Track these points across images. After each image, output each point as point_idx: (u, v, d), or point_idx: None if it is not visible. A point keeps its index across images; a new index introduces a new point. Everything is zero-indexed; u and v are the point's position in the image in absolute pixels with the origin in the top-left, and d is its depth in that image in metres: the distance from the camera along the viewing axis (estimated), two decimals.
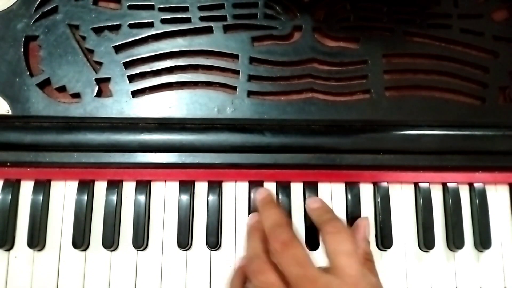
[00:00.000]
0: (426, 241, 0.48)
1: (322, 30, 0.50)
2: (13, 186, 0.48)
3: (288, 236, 0.39)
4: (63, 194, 0.49)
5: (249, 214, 0.48)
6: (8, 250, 0.48)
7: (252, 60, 0.49)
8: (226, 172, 0.48)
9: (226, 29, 0.50)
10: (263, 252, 0.40)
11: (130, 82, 0.49)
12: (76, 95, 0.48)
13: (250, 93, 0.48)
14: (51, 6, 0.50)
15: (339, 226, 0.40)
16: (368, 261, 0.43)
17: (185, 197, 0.48)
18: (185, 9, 0.50)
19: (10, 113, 0.48)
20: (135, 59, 0.49)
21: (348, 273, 0.37)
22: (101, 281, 0.47)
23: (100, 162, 0.48)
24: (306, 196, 0.48)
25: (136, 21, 0.49)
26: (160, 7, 0.50)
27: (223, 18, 0.50)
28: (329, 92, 0.49)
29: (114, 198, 0.48)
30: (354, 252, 0.38)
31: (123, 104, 0.48)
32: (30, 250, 0.48)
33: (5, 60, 0.49)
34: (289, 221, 0.43)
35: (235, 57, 0.49)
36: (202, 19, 0.49)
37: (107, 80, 0.49)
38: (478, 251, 0.49)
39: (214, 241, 0.47)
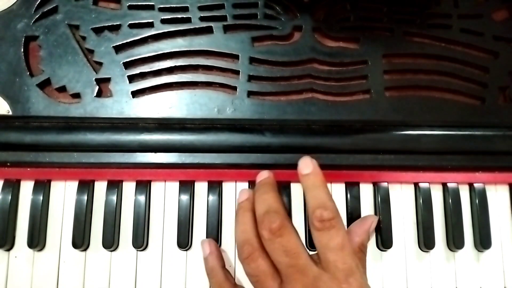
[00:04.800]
0: (426, 241, 0.48)
1: (322, 30, 0.50)
2: (13, 186, 0.48)
3: (279, 224, 0.37)
4: (63, 194, 0.49)
5: None
6: (8, 250, 0.48)
7: (252, 60, 0.49)
8: (226, 172, 0.48)
9: (226, 29, 0.50)
10: (254, 236, 0.39)
11: (130, 82, 0.49)
12: (76, 95, 0.48)
13: (250, 93, 0.48)
14: (51, 6, 0.50)
15: (330, 218, 0.37)
16: (360, 252, 0.43)
17: (185, 197, 0.48)
18: (185, 9, 0.50)
19: (10, 113, 0.48)
20: (135, 59, 0.49)
21: (338, 268, 0.36)
22: (101, 281, 0.47)
23: (100, 162, 0.48)
24: None
25: (136, 21, 0.49)
26: (160, 7, 0.50)
27: (223, 18, 0.50)
28: (329, 92, 0.49)
29: (114, 198, 0.48)
30: (345, 246, 0.37)
31: (123, 104, 0.48)
32: (30, 250, 0.48)
33: (5, 60, 0.49)
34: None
35: (235, 57, 0.49)
36: (202, 19, 0.49)
37: (107, 80, 0.49)
38: (478, 251, 0.49)
39: None
